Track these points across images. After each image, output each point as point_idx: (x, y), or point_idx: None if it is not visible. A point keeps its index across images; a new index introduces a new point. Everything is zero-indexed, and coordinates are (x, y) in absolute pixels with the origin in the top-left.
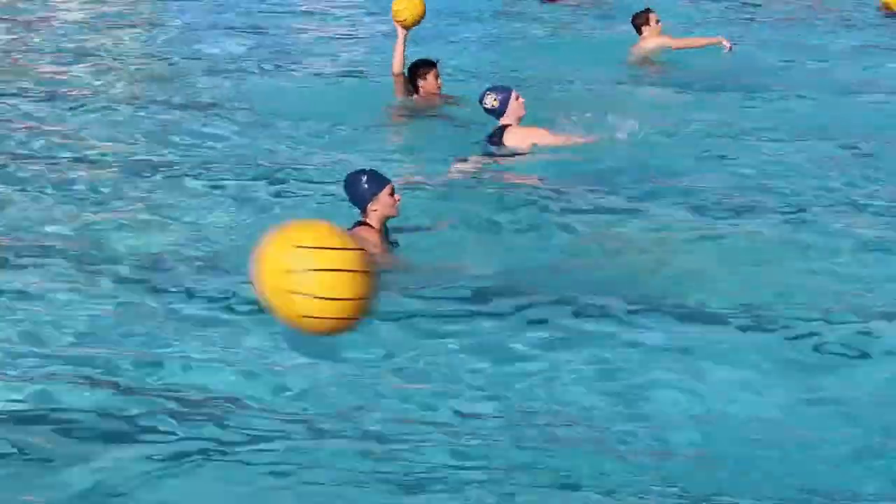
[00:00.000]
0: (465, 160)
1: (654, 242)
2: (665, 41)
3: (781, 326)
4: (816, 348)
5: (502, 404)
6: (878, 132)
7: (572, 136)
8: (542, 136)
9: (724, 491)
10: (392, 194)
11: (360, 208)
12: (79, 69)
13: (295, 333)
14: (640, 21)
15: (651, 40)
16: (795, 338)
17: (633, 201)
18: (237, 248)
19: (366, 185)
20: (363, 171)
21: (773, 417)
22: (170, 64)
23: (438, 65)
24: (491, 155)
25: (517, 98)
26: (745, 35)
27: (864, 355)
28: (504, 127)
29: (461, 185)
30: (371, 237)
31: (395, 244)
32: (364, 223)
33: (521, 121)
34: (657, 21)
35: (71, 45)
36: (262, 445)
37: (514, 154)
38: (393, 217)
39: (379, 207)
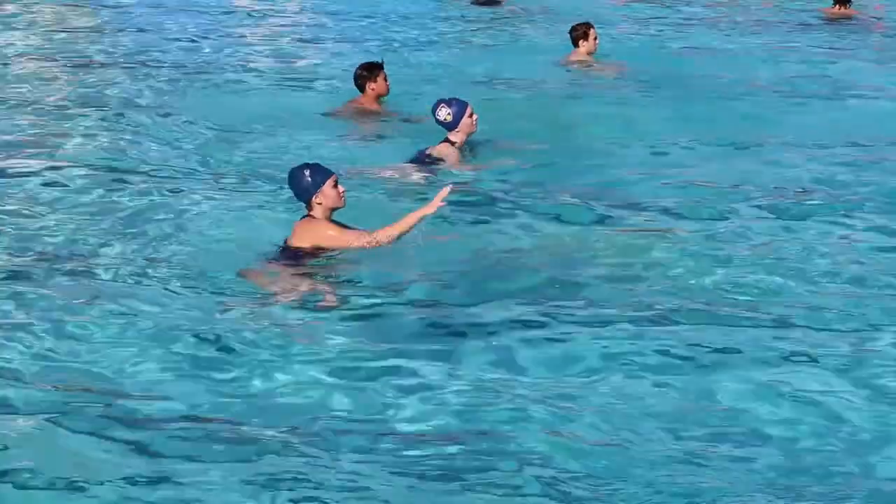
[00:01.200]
0: (391, 166)
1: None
2: (592, 64)
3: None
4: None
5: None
6: (839, 135)
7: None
8: (454, 164)
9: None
10: (336, 186)
11: (304, 202)
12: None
13: None
14: (578, 34)
15: (581, 59)
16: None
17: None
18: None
19: (309, 178)
20: (306, 165)
21: None
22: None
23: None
24: (415, 162)
25: (471, 115)
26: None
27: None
28: (446, 140)
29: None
30: (321, 224)
31: None
32: (309, 216)
33: (469, 137)
34: (595, 38)
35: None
36: None
37: (434, 163)
38: (340, 208)
39: (324, 200)
